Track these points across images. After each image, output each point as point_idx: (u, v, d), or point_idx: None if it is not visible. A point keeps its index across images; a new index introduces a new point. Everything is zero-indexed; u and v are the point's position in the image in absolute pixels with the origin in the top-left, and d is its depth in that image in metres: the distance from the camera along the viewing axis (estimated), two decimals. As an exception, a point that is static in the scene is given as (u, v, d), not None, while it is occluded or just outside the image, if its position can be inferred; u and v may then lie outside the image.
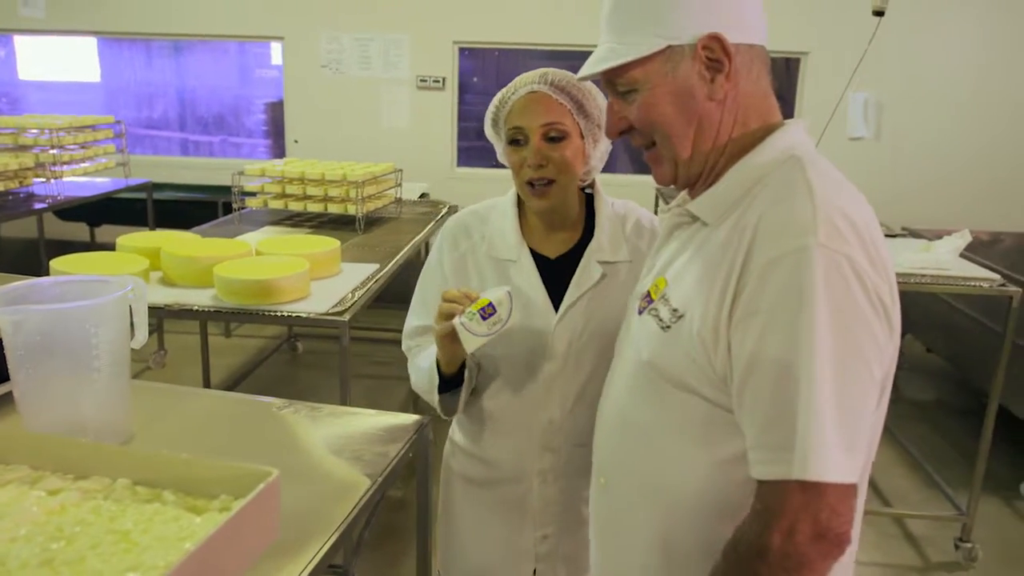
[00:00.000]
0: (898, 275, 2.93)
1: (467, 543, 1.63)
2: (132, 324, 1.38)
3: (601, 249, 1.46)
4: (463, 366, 1.44)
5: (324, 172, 3.48)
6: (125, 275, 1.39)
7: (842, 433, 0.85)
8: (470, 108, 5.70)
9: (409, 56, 5.48)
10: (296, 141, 5.67)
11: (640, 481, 1.06)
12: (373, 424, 1.50)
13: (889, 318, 0.90)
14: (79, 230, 5.44)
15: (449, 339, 1.33)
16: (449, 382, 1.46)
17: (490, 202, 1.56)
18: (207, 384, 3.86)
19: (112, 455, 0.93)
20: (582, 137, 1.41)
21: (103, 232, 5.47)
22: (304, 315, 2.28)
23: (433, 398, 1.48)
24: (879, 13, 3.00)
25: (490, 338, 1.31)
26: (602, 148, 1.46)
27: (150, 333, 4.88)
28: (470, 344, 1.31)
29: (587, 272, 1.44)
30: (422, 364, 1.50)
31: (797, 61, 5.30)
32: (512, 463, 1.51)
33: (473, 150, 5.74)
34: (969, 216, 4.93)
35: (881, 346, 0.88)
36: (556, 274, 1.46)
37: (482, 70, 5.94)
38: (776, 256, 0.87)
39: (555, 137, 1.38)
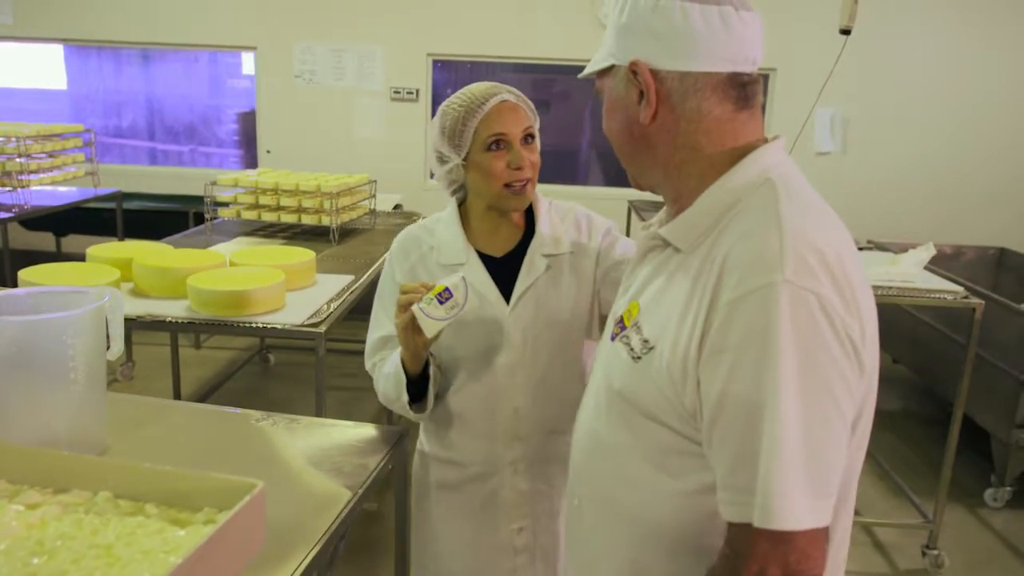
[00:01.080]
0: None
1: (443, 549, 1.65)
2: (108, 335, 1.37)
3: (544, 243, 1.56)
4: (427, 367, 1.49)
5: (298, 183, 3.46)
6: (101, 286, 1.38)
7: (810, 477, 0.82)
8: (444, 120, 5.70)
9: (383, 67, 5.48)
10: (268, 151, 5.64)
11: (611, 506, 1.05)
12: (351, 436, 1.50)
13: (859, 357, 0.86)
14: (44, 240, 5.34)
15: (410, 330, 1.39)
16: (415, 385, 1.49)
17: (435, 216, 1.64)
18: (177, 396, 3.81)
19: (92, 468, 0.92)
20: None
21: (69, 242, 5.38)
22: (280, 326, 2.26)
23: (402, 400, 1.51)
24: (846, 31, 3.07)
25: (448, 321, 1.37)
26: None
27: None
28: (430, 328, 1.37)
29: (533, 264, 1.54)
30: (387, 370, 1.53)
31: (766, 77, 5.40)
32: (483, 457, 1.56)
33: (446, 162, 5.74)
34: (933, 229, 5.05)
35: (851, 386, 0.86)
36: (504, 271, 1.55)
37: (455, 82, 5.96)
38: (742, 293, 0.85)
39: (530, 140, 1.51)
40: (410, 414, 1.53)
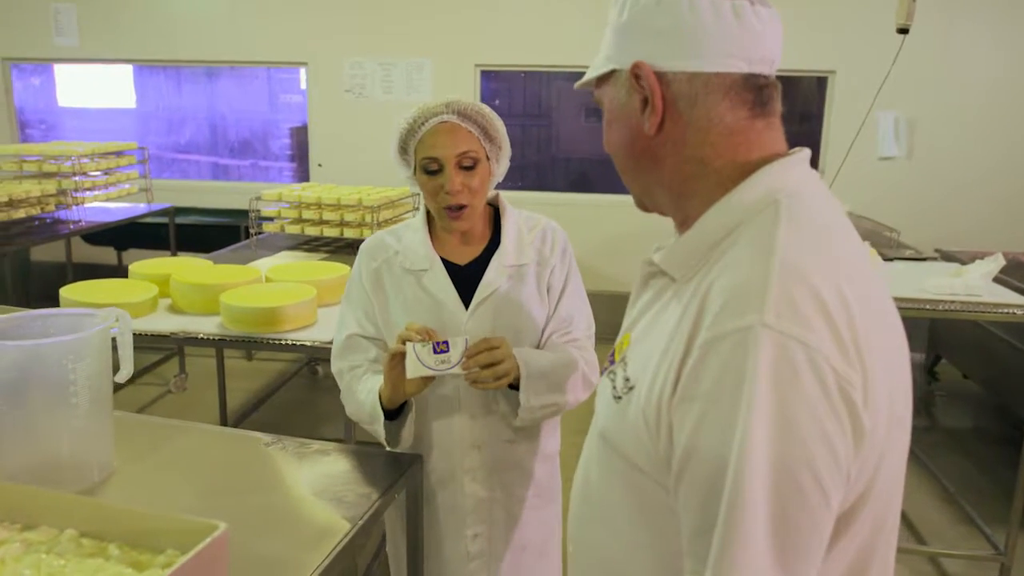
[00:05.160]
0: (928, 301, 2.79)
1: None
2: (118, 357, 1.36)
3: (506, 254, 1.58)
4: (404, 404, 1.51)
5: (340, 197, 3.47)
6: (110, 307, 1.37)
7: (777, 555, 0.71)
8: (493, 131, 5.68)
9: (431, 80, 5.48)
10: (320, 165, 5.70)
11: (596, 559, 0.96)
12: (362, 462, 1.45)
13: (858, 420, 0.72)
14: (107, 254, 5.51)
15: (396, 361, 1.41)
16: (390, 412, 1.51)
17: (405, 222, 1.68)
18: (223, 409, 3.85)
19: (60, 504, 0.89)
20: (487, 159, 1.53)
21: (130, 255, 5.54)
22: (309, 343, 2.25)
23: (376, 430, 1.54)
24: (903, 31, 2.91)
25: (432, 373, 1.38)
26: (504, 163, 1.57)
27: (168, 358, 4.82)
28: (412, 370, 1.38)
29: (493, 274, 1.57)
30: (362, 398, 1.55)
31: (824, 80, 5.20)
32: (443, 464, 1.60)
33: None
34: (1005, 237, 4.77)
35: (839, 455, 0.72)
36: (467, 279, 1.58)
37: (507, 92, 5.92)
38: (716, 335, 0.74)
39: (469, 166, 1.49)
40: (384, 443, 1.56)
